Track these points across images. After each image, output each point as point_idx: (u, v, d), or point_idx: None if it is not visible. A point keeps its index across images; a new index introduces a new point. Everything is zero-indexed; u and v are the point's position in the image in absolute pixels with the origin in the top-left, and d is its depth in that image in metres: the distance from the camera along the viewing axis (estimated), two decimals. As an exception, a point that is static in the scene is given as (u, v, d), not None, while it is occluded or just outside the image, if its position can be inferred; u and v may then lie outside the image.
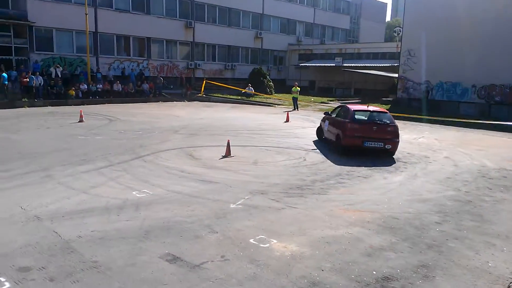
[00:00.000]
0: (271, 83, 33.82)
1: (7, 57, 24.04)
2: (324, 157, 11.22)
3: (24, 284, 4.23)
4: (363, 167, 10.18)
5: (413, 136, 15.68)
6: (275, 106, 26.94)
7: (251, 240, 5.52)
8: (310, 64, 40.38)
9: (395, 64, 30.15)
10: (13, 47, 24.30)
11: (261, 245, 5.38)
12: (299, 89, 25.40)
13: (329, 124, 12.89)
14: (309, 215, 6.61)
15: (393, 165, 10.60)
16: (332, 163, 10.52)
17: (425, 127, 18.84)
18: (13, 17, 23.81)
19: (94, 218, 6.12)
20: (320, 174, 9.33)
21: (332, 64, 38.01)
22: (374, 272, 4.75)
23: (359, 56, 38.88)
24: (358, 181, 8.93)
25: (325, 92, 37.74)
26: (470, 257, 5.28)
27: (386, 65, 34.52)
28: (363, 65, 35.76)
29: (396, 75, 28.86)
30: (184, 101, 28.07)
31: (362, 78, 35.97)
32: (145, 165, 9.60)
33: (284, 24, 42.47)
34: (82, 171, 8.80)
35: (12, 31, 24.06)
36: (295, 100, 25.01)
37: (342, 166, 10.20)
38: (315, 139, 14.15)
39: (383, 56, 37.09)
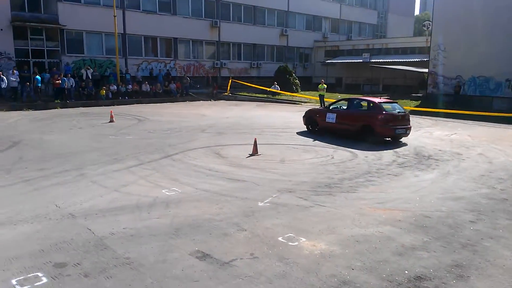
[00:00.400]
0: (297, 80, 33.62)
1: (40, 60, 24.92)
2: (353, 155, 11.08)
3: (60, 280, 4.37)
4: (394, 165, 9.99)
5: (444, 133, 15.25)
6: (301, 104, 26.78)
7: (280, 238, 5.52)
8: (337, 61, 39.93)
9: (425, 59, 29.38)
10: (45, 50, 25.15)
11: (290, 243, 5.37)
12: (325, 86, 25.14)
13: (338, 117, 13.68)
14: (338, 214, 6.54)
15: (425, 162, 10.35)
16: (361, 161, 10.37)
17: (457, 123, 18.29)
18: (45, 21, 24.64)
19: (126, 216, 6.27)
20: (349, 172, 9.22)
21: (360, 60, 37.45)
22: (406, 272, 4.66)
23: (387, 52, 38.12)
24: (388, 179, 8.77)
25: (353, 89, 37.23)
26: (507, 257, 5.09)
27: (415, 60, 33.73)
28: (391, 60, 35.05)
29: (426, 70, 28.15)
30: (210, 100, 28.31)
31: (391, 74, 35.26)
32: (174, 164, 9.74)
33: (310, 20, 42.14)
34: (113, 170, 9.02)
35: (44, 34, 24.90)
36: (321, 97, 24.77)
37: (371, 164, 10.04)
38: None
39: (412, 51, 36.24)
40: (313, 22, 42.43)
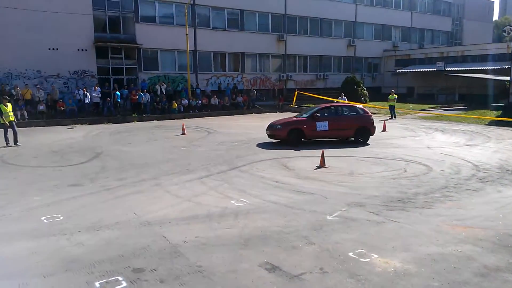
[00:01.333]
0: (365, 91, 32.81)
1: (120, 77, 26.88)
2: (427, 168, 10.51)
3: (138, 284, 4.62)
4: (474, 180, 9.31)
5: (532, 145, 13.94)
6: (369, 115, 26.00)
7: (350, 254, 5.36)
8: (408, 70, 38.36)
9: (506, 66, 27.22)
10: (124, 68, 27.11)
11: (361, 260, 5.20)
12: (396, 96, 24.25)
13: (330, 123, 14.32)
14: (412, 230, 6.22)
15: (508, 177, 9.52)
16: (437, 175, 9.80)
17: (546, 134, 16.64)
18: (124, 41, 26.60)
19: (198, 225, 6.48)
20: (424, 187, 8.75)
21: (433, 69, 35.64)
22: (492, 296, 4.29)
23: (463, 59, 35.94)
24: (467, 194, 8.19)
25: (426, 98, 35.46)
26: None
27: (494, 67, 31.37)
28: (468, 68, 32.95)
29: (508, 78, 26.02)
30: (276, 112, 28.53)
31: (467, 82, 33.07)
32: (241, 175, 9.92)
33: (379, 30, 41.07)
34: (186, 180, 9.40)
35: (123, 53, 26.88)
36: (392, 108, 23.91)
37: (448, 178, 9.45)
38: (416, 147, 13.35)
39: (491, 58, 33.76)
40: (382, 31, 41.30)
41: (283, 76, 34.28)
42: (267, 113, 28.13)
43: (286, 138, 14.27)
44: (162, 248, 5.58)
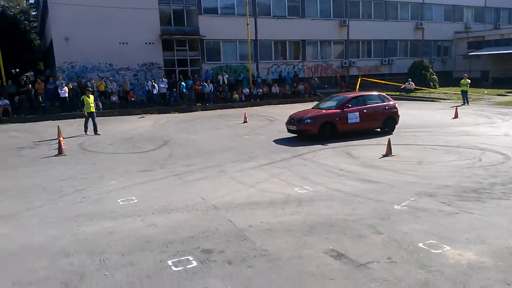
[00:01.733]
0: (435, 76, 31.02)
1: (184, 68, 27.80)
2: (505, 157, 9.77)
3: (207, 265, 4.82)
4: (559, 170, 8.51)
5: None
6: (440, 101, 24.65)
7: (420, 245, 5.17)
8: (482, 53, 35.65)
9: None
10: (188, 59, 27.98)
11: (432, 251, 4.99)
12: (468, 81, 22.67)
13: (360, 114, 13.11)
14: (488, 222, 5.85)
15: None
16: (515, 164, 9.09)
17: None
18: (188, 33, 27.40)
19: (262, 211, 6.60)
20: (501, 177, 8.15)
21: (510, 51, 32.78)
22: None
23: (548, 39, 32.65)
24: (552, 185, 7.51)
25: (502, 83, 32.71)
26: None
27: None
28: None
29: None
30: (339, 100, 27.90)
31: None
32: (304, 163, 9.90)
33: (449, 11, 38.48)
34: (249, 168, 9.58)
35: (187, 45, 27.72)
36: (464, 93, 22.43)
37: (529, 168, 8.72)
38: (491, 135, 12.46)
39: None
40: (452, 12, 38.65)
41: (345, 63, 33.41)
42: (329, 101, 27.59)
43: (316, 134, 12.61)
44: (229, 232, 5.76)
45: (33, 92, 21.46)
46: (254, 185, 8.10)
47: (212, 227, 5.93)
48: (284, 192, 7.56)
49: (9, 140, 14.62)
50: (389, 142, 10.58)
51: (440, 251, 4.98)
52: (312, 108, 14.50)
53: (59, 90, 21.17)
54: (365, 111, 13.26)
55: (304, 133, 12.92)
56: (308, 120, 12.76)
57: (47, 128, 17.27)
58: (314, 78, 30.18)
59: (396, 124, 14.01)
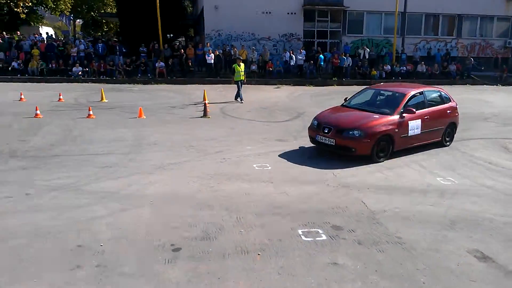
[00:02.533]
0: None
1: (323, 40, 27.36)
2: None
3: (336, 241, 4.81)
4: None
5: None
6: None
7: None
8: None
9: None
10: (328, 31, 27.38)
11: None
12: None
13: (422, 123, 8.63)
14: None
15: None
16: None
17: None
18: (331, 3, 26.65)
19: (398, 197, 6.26)
20: None
21: None
22: None
23: None
24: None
25: None
26: None
27: None
28: None
29: None
30: (497, 85, 24.49)
31: None
32: (450, 152, 9.02)
33: None
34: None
35: (329, 16, 27.09)
36: None
37: None
38: None
39: None
40: None
41: (510, 43, 28.88)
42: (485, 85, 24.43)
43: (369, 155, 8.07)
44: (360, 212, 5.64)
45: (184, 56, 23.65)
46: (392, 168, 7.71)
47: (342, 205, 5.87)
48: (425, 181, 7.06)
49: (164, 100, 16.47)
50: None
51: None
52: (341, 106, 9.76)
53: (206, 57, 22.92)
54: (427, 117, 8.79)
55: (348, 152, 8.10)
56: (357, 133, 7.98)
57: (194, 91, 18.94)
58: (470, 58, 26.80)
59: (455, 134, 9.91)
